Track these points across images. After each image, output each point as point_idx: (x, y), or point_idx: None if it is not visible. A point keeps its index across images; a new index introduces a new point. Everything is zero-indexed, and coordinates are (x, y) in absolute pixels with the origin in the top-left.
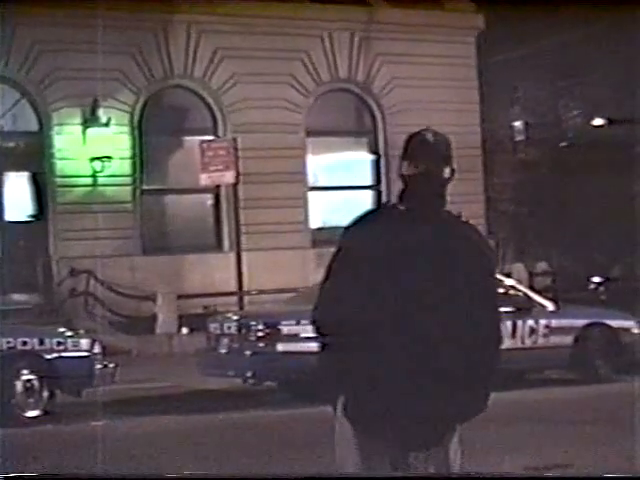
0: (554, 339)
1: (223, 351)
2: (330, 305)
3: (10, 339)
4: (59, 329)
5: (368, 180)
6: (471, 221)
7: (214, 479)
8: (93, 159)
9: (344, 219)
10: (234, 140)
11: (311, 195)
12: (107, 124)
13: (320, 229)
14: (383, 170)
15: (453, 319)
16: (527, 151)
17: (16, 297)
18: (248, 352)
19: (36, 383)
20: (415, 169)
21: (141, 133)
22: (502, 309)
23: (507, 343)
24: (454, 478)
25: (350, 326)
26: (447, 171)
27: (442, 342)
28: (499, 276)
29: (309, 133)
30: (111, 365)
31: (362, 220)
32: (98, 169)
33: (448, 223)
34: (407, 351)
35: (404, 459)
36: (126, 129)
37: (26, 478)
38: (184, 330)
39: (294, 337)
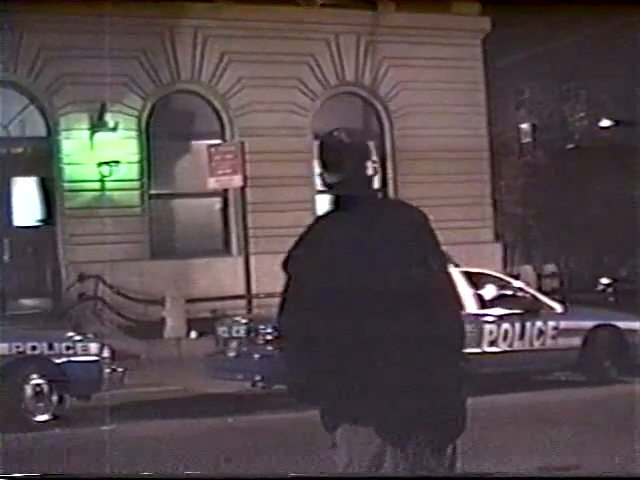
0: (562, 341)
1: (232, 355)
2: (294, 310)
3: (19, 344)
4: (68, 333)
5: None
6: (479, 224)
7: (215, 479)
8: (101, 164)
9: None
10: (241, 144)
11: (319, 198)
12: (115, 129)
13: None
14: (390, 173)
15: (404, 307)
16: (534, 153)
17: (25, 302)
18: (257, 355)
19: (45, 387)
20: (336, 176)
21: (149, 137)
22: (510, 311)
23: (515, 345)
24: (454, 478)
25: (314, 328)
26: (370, 169)
27: (397, 336)
28: (505, 276)
29: (316, 136)
30: (120, 369)
31: (307, 231)
32: (106, 174)
33: (382, 209)
34: (369, 351)
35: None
36: (134, 134)
37: (27, 478)
38: (192, 334)
39: None
